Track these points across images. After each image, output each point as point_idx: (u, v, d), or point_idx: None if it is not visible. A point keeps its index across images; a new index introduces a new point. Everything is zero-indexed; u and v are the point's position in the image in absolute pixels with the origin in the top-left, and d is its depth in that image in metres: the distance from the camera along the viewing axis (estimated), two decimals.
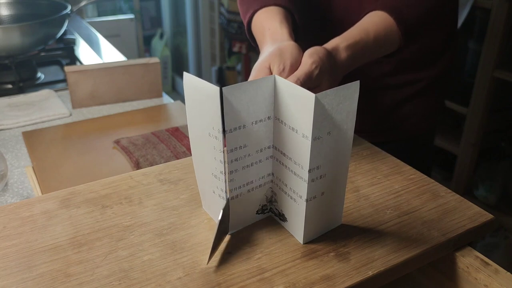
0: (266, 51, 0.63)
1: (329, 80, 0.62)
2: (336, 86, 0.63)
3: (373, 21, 0.69)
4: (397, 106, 0.91)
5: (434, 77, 0.90)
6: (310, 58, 0.59)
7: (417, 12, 0.72)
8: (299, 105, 0.47)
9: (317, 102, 0.45)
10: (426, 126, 0.95)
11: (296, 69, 0.60)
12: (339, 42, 0.65)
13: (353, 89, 0.47)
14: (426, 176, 0.65)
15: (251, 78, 0.61)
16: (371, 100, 0.90)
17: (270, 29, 0.69)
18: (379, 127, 0.92)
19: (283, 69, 0.59)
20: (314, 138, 0.46)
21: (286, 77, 0.59)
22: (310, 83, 0.58)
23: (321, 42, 0.64)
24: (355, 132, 0.90)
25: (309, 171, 0.48)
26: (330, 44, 0.65)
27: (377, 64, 0.72)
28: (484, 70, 1.67)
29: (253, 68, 0.64)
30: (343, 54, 0.64)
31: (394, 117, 0.92)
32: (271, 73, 0.60)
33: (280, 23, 0.69)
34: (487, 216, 0.58)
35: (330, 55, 0.62)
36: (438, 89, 0.93)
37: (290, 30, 0.68)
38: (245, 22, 0.78)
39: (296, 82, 0.57)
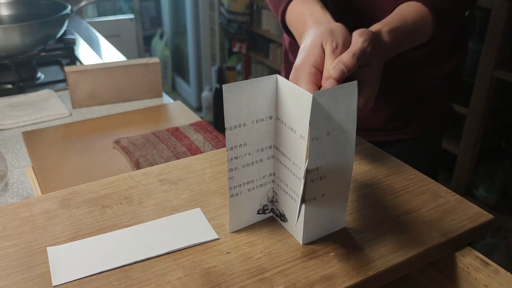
0: (313, 32, 0.63)
1: (378, 61, 0.62)
2: (381, 69, 0.63)
3: (410, 10, 0.70)
4: (408, 105, 0.91)
5: (445, 75, 0.90)
6: (361, 36, 0.60)
7: (449, 3, 0.73)
8: (297, 104, 0.47)
9: (314, 101, 0.44)
10: (435, 126, 0.95)
11: (347, 49, 0.59)
12: (381, 27, 0.65)
13: (351, 89, 0.47)
14: (426, 176, 0.65)
15: (302, 56, 0.60)
16: (385, 98, 0.89)
17: (312, 14, 0.68)
18: (389, 126, 0.92)
19: (336, 47, 0.59)
20: (313, 139, 0.46)
21: (339, 54, 0.58)
22: (364, 59, 0.58)
23: (351, 31, 0.64)
24: (367, 131, 0.91)
25: (308, 171, 0.48)
26: (373, 28, 0.65)
27: (394, 61, 0.72)
28: (484, 70, 1.67)
29: (301, 49, 0.63)
30: (386, 38, 0.65)
31: (406, 116, 0.92)
32: (323, 51, 0.60)
33: (321, 7, 0.69)
34: (487, 216, 0.58)
35: (377, 36, 0.62)
36: (449, 88, 0.93)
37: (331, 14, 0.68)
38: (278, 13, 0.77)
39: (352, 57, 0.57)
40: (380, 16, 0.78)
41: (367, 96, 0.61)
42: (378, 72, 0.63)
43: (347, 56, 0.57)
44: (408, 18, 0.69)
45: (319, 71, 0.59)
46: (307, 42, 0.62)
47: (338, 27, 0.61)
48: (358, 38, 0.60)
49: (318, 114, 0.45)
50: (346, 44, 0.60)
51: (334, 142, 0.48)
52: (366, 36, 0.60)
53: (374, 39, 0.61)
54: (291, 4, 0.74)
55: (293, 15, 0.74)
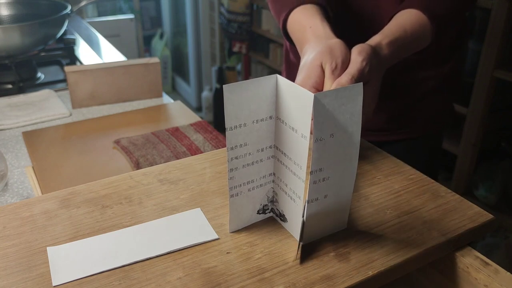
0: (313, 49, 0.64)
1: (377, 76, 0.63)
2: (380, 81, 0.65)
3: (409, 19, 0.71)
4: (408, 105, 0.91)
5: (445, 75, 0.91)
6: (359, 55, 0.61)
7: (448, 9, 0.73)
8: (299, 104, 0.47)
9: (317, 102, 0.44)
10: (434, 126, 0.95)
11: (347, 66, 0.61)
12: (381, 39, 0.66)
13: (356, 90, 0.47)
14: (426, 176, 0.65)
15: (302, 76, 0.62)
16: (385, 99, 0.90)
17: (312, 27, 0.69)
18: (390, 126, 0.93)
19: (336, 67, 0.60)
20: (316, 140, 0.46)
21: (338, 75, 0.60)
22: (362, 79, 0.60)
23: (350, 39, 0.65)
24: (367, 131, 0.91)
25: (312, 173, 0.48)
26: (373, 41, 0.66)
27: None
28: (484, 70, 1.67)
29: (301, 66, 0.64)
30: (385, 50, 0.66)
31: (407, 116, 0.92)
32: (323, 71, 0.61)
33: (321, 20, 0.70)
34: (487, 216, 0.58)
35: (375, 52, 0.63)
36: (448, 88, 0.93)
37: (332, 27, 0.69)
38: (280, 21, 0.78)
39: (350, 80, 0.58)
40: (379, 16, 0.78)
41: (365, 113, 0.62)
42: (376, 87, 0.65)
43: (345, 79, 0.59)
44: (408, 28, 0.69)
45: (319, 92, 0.60)
46: (307, 60, 0.63)
47: (337, 44, 0.62)
48: (357, 57, 0.61)
49: (322, 115, 0.45)
50: (345, 63, 0.61)
51: (338, 144, 0.48)
52: (365, 55, 0.61)
53: (373, 57, 0.62)
54: (293, 12, 0.75)
55: (294, 24, 0.75)
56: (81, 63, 1.50)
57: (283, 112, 0.50)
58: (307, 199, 0.49)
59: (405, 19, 0.71)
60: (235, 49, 3.10)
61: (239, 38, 3.05)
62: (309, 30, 0.69)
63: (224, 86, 0.45)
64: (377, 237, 0.54)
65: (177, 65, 4.00)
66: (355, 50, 0.62)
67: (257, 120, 0.50)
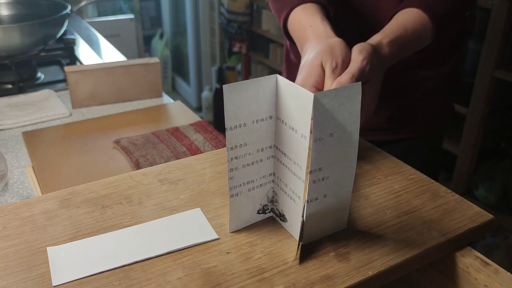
0: (314, 48, 0.64)
1: (377, 75, 0.64)
2: (380, 81, 0.65)
3: (410, 18, 0.71)
4: (409, 105, 0.91)
5: (445, 75, 0.91)
6: (360, 54, 0.61)
7: (448, 8, 0.74)
8: (299, 104, 0.47)
9: (316, 101, 0.44)
10: (435, 126, 0.95)
11: (347, 65, 0.61)
12: (381, 38, 0.67)
13: (354, 90, 0.47)
14: (426, 176, 0.65)
15: (302, 75, 0.62)
16: (385, 98, 0.90)
17: (312, 26, 0.69)
18: (390, 125, 0.92)
19: (336, 66, 0.60)
20: (316, 139, 0.46)
21: (339, 74, 0.60)
22: (363, 78, 0.60)
23: (351, 38, 0.65)
24: (367, 130, 0.91)
25: (311, 172, 0.48)
26: (374, 40, 0.66)
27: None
28: (484, 70, 1.67)
29: (301, 65, 0.64)
30: (386, 50, 0.66)
31: (407, 115, 0.92)
32: (323, 71, 0.61)
33: (322, 19, 0.70)
34: (487, 216, 0.58)
35: (376, 51, 0.63)
36: (448, 88, 0.93)
37: (332, 26, 0.69)
38: (280, 20, 0.78)
39: (351, 79, 0.59)
40: (379, 15, 0.78)
41: (365, 112, 0.62)
42: (377, 86, 0.65)
43: (346, 78, 0.59)
44: (409, 27, 0.70)
45: (319, 91, 0.61)
46: (308, 59, 0.63)
47: (337, 43, 0.62)
48: (357, 56, 0.61)
49: (321, 115, 0.45)
50: (346, 62, 0.61)
51: (337, 143, 0.48)
52: (366, 54, 0.61)
53: (374, 56, 0.62)
54: (293, 11, 0.75)
55: (294, 23, 0.75)
56: (81, 63, 1.50)
57: (283, 112, 0.50)
58: (306, 198, 0.49)
59: (406, 18, 0.71)
60: (235, 49, 3.10)
61: (239, 38, 3.05)
62: (310, 29, 0.69)
63: (224, 86, 0.45)
64: (377, 237, 0.54)
65: (177, 65, 4.00)
66: (355, 49, 0.62)
67: (257, 120, 0.50)
